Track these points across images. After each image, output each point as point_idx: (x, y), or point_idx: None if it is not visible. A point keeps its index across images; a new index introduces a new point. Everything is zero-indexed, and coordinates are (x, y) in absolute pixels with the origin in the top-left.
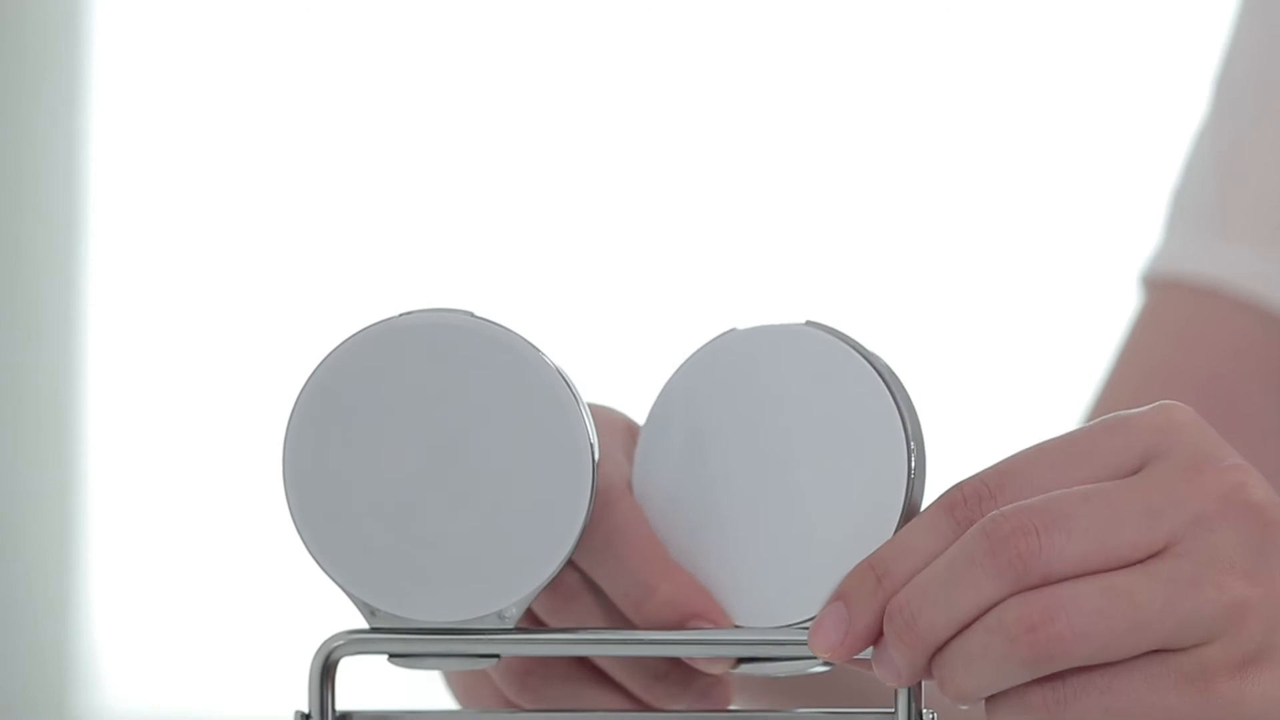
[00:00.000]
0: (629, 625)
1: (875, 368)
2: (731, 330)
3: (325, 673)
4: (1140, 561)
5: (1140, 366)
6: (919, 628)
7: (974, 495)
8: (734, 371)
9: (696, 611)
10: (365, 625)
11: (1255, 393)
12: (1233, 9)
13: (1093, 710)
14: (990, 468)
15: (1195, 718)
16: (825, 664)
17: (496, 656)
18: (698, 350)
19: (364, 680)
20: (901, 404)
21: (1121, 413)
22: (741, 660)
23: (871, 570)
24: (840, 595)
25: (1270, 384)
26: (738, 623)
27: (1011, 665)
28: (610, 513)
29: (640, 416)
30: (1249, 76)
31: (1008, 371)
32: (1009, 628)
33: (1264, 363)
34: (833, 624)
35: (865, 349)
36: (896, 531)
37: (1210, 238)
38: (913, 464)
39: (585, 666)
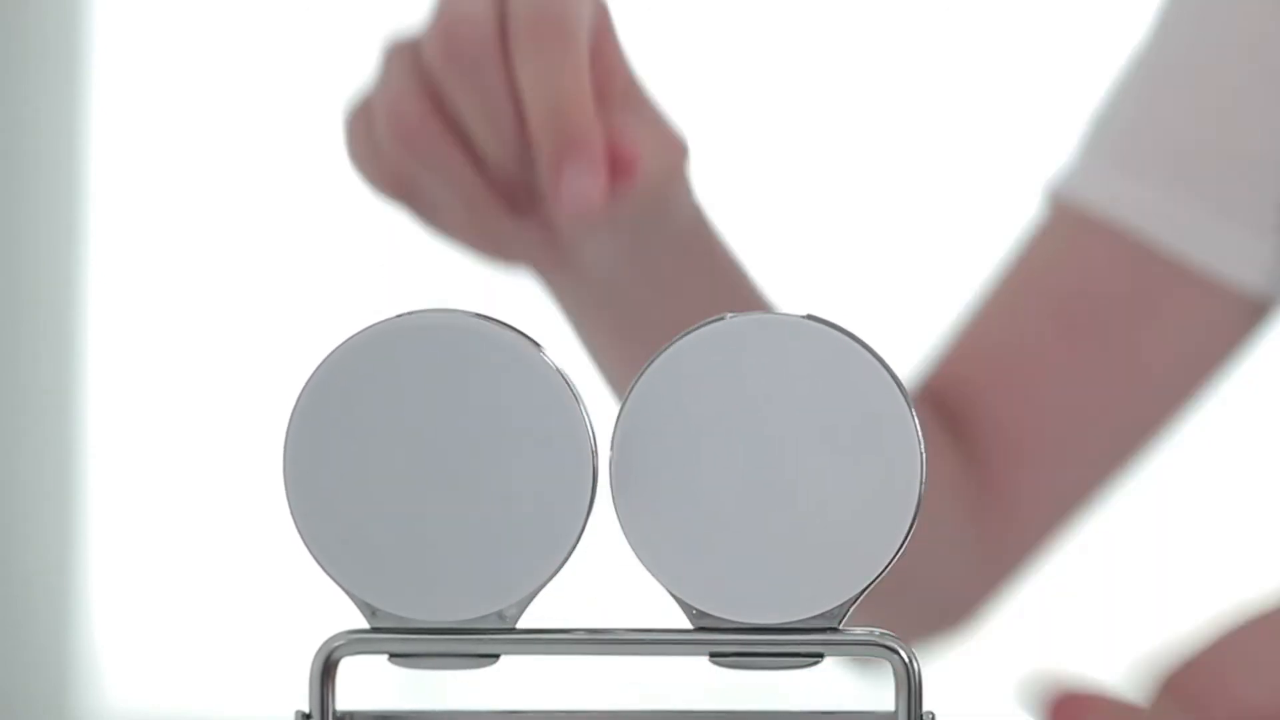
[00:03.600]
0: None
1: (885, 366)
2: (723, 317)
3: (326, 672)
4: None
5: (1019, 278)
6: None
7: None
8: (729, 359)
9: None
10: (365, 625)
11: (1107, 316)
12: None
13: None
14: None
15: None
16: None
17: (497, 657)
18: (686, 334)
19: (365, 680)
20: (910, 404)
21: None
22: (716, 655)
23: None
24: None
25: (1127, 311)
26: (735, 618)
27: None
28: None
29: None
30: (1191, 19)
31: None
32: None
33: (1128, 289)
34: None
35: (871, 346)
36: (908, 535)
37: (1118, 174)
38: (924, 464)
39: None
